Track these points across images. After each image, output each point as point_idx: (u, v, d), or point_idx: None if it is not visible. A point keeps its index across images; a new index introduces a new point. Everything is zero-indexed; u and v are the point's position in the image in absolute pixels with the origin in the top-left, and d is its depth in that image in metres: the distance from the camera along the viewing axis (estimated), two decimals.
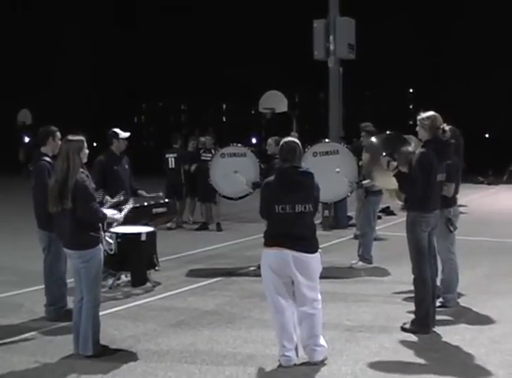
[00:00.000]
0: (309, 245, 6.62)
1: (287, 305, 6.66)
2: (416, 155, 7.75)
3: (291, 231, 6.52)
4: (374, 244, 11.71)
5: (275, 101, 24.15)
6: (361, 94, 63.20)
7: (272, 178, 6.78)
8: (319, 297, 6.76)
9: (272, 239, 6.61)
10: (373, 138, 9.26)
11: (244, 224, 16.96)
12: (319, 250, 6.73)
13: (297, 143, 6.79)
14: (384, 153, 8.06)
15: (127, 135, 10.34)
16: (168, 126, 77.36)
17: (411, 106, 69.14)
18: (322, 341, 6.76)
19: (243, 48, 59.62)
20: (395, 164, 7.80)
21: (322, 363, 6.68)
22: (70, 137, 7.02)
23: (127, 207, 8.23)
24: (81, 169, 6.88)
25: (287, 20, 53.93)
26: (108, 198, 9.37)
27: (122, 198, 9.37)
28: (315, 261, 6.65)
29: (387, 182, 8.41)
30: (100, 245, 6.96)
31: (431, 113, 7.90)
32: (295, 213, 6.52)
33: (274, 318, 6.73)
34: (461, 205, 20.39)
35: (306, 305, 6.65)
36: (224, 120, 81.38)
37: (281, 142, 6.85)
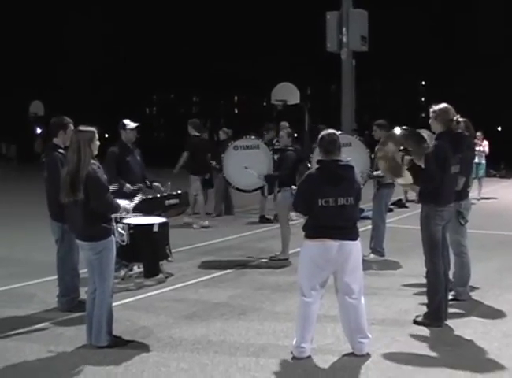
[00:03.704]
0: (351, 232, 6.62)
1: (316, 299, 6.67)
2: (431, 147, 7.72)
3: (334, 223, 6.50)
4: (386, 237, 11.68)
5: (287, 93, 24.14)
6: (373, 86, 63.07)
7: (313, 171, 6.77)
8: (362, 287, 6.79)
9: (315, 231, 6.58)
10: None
11: (256, 216, 16.93)
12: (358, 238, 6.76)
13: (337, 135, 6.78)
14: (401, 148, 8.02)
15: (134, 125, 10.31)
16: (179, 117, 77.43)
17: (423, 99, 68.90)
18: (368, 333, 6.80)
19: (256, 40, 59.54)
20: (409, 158, 7.78)
21: (367, 355, 6.74)
22: (81, 128, 6.97)
23: (136, 199, 8.29)
24: (92, 161, 6.86)
25: (300, 12, 53.82)
26: (128, 185, 9.49)
27: (140, 186, 9.49)
28: (358, 248, 6.67)
29: (404, 177, 8.36)
30: (112, 236, 6.97)
31: (443, 104, 7.86)
32: (338, 206, 6.50)
33: (300, 309, 6.72)
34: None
35: (350, 295, 6.66)
36: (236, 111, 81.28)
37: (322, 134, 6.80)
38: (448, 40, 56.45)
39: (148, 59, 64.24)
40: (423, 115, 61.30)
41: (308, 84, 56.36)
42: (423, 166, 7.68)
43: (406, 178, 8.25)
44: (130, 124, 10.31)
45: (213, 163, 15.91)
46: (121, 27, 62.56)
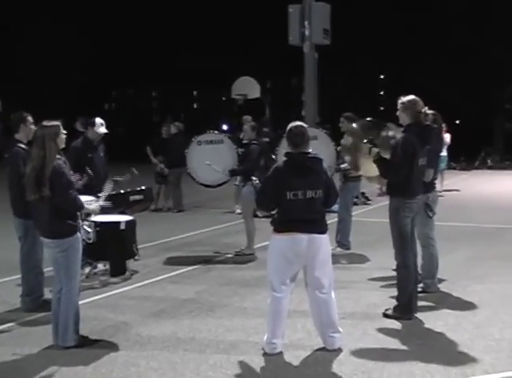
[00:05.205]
0: (320, 226, 6.58)
1: (286, 294, 6.61)
2: (398, 139, 7.68)
3: (303, 216, 6.45)
4: (352, 230, 11.66)
5: (247, 87, 24.02)
6: (334, 79, 63.15)
7: (280, 164, 6.68)
8: (332, 281, 6.73)
9: (284, 225, 6.51)
10: (355, 124, 9.18)
11: (219, 211, 16.86)
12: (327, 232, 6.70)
13: (305, 128, 6.71)
14: (365, 140, 8.02)
15: (103, 131, 10.09)
16: (138, 113, 76.98)
17: (382, 92, 69.18)
18: (339, 327, 6.75)
19: (215, 33, 59.31)
20: (376, 150, 7.76)
21: (339, 349, 6.67)
22: (45, 123, 6.81)
23: (102, 197, 8.09)
24: (58, 155, 6.71)
25: (261, 5, 53.62)
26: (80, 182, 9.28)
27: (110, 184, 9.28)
28: (327, 242, 6.64)
29: (369, 169, 8.32)
30: (78, 233, 6.81)
31: (412, 96, 7.81)
32: (306, 199, 6.44)
33: (270, 304, 6.64)
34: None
35: (321, 290, 6.60)
36: (195, 106, 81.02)
37: (289, 127, 6.72)
38: (407, 33, 56.71)
39: (106, 55, 63.70)
40: (382, 108, 61.64)
41: (268, 78, 56.26)
42: (388, 158, 7.68)
43: (369, 170, 8.25)
44: (101, 128, 10.06)
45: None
46: (80, 24, 61.88)
